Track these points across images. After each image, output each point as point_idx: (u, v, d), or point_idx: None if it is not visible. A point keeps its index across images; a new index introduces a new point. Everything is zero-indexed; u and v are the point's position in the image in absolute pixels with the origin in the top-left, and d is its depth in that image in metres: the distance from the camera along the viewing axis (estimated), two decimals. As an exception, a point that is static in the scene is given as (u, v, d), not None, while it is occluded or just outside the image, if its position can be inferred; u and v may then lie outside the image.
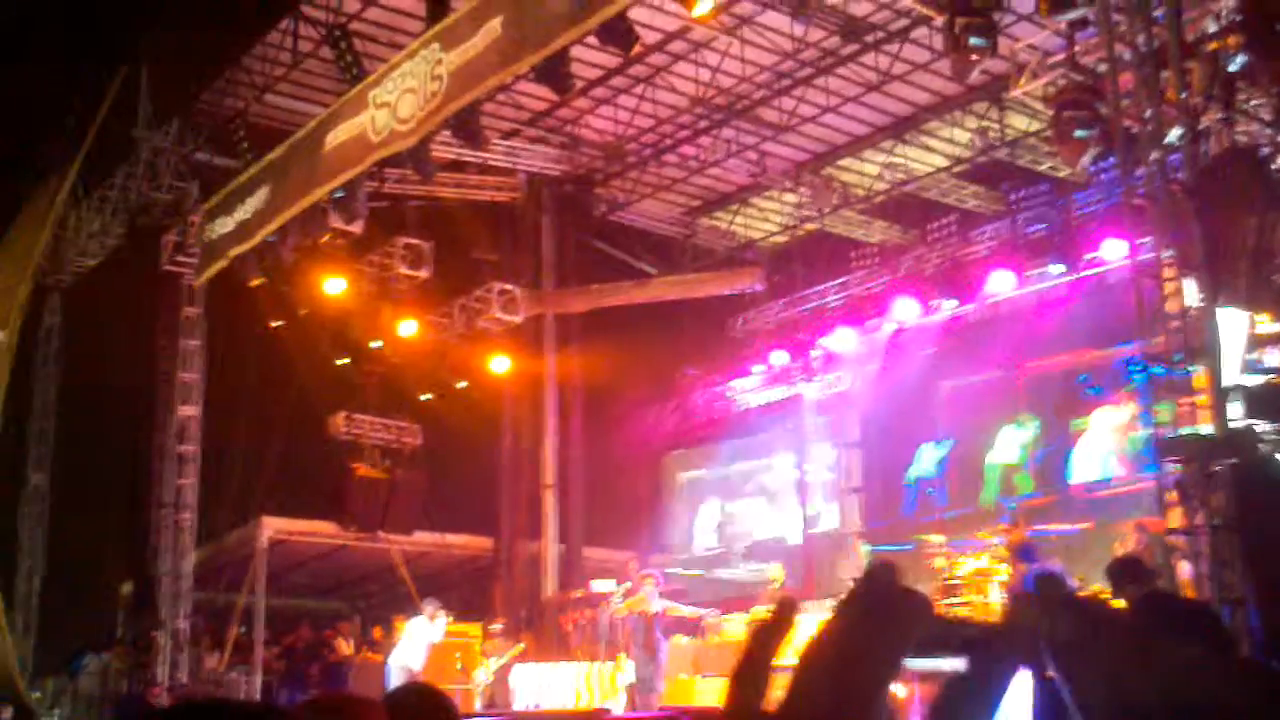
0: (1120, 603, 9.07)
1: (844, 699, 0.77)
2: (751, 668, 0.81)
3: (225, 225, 17.69)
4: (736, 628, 16.48)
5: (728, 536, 22.18)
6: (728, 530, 22.24)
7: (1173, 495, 11.03)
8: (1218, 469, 10.42)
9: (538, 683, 16.65)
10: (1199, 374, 11.03)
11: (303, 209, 16.40)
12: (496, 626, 17.75)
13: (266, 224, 16.70)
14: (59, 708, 19.19)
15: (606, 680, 15.85)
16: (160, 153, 19.07)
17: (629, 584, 15.57)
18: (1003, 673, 0.78)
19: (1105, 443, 17.08)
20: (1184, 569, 11.24)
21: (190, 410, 19.27)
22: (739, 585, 20.26)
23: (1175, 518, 11.01)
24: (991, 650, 0.78)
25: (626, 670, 15.64)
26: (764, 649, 0.81)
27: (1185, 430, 10.92)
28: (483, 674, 16.78)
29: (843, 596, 0.81)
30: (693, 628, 17.10)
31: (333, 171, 15.82)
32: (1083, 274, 16.86)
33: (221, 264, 17.70)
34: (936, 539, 15.33)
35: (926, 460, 19.01)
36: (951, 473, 18.75)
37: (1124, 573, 9.34)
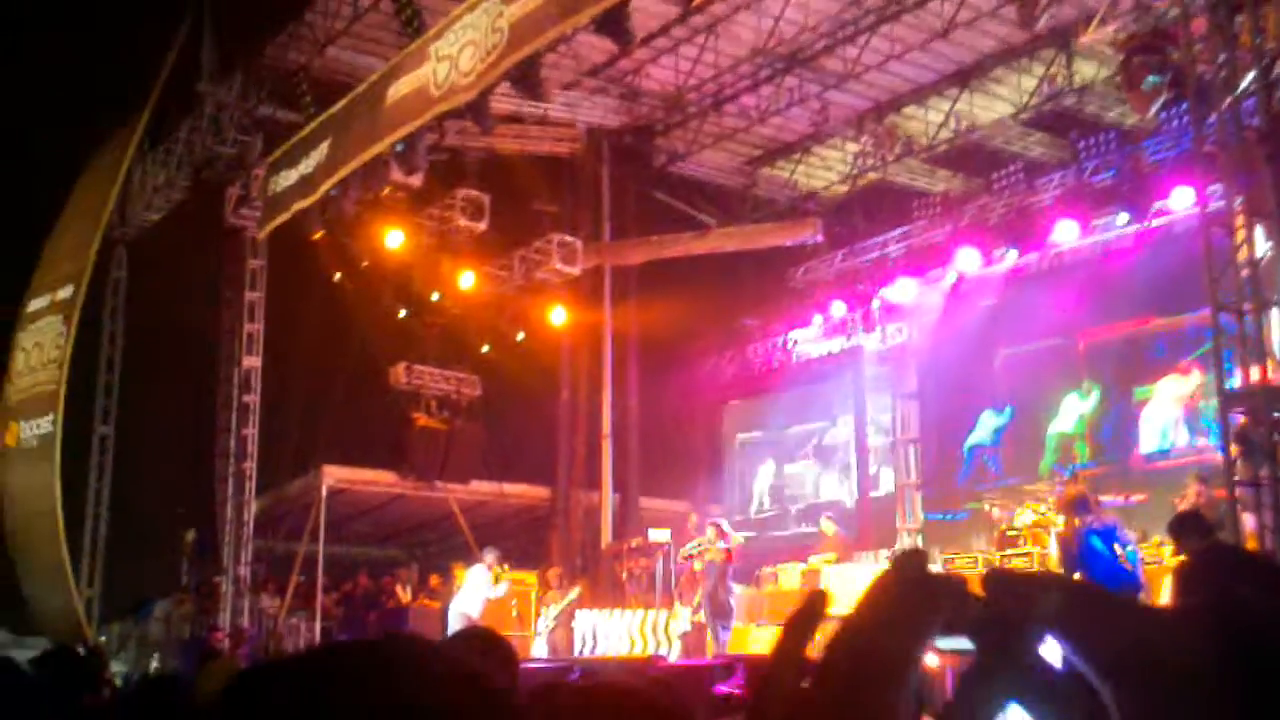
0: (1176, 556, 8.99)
1: (870, 676, 0.76)
2: (783, 659, 0.79)
3: (288, 179, 17.80)
4: (791, 578, 16.50)
5: (783, 499, 22.17)
6: (784, 493, 22.23)
7: (1237, 448, 10.88)
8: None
9: (596, 629, 16.78)
10: (1269, 324, 10.86)
11: (364, 162, 16.47)
12: (554, 574, 17.86)
13: (329, 177, 16.79)
14: (125, 651, 19.58)
15: (661, 628, 15.95)
16: (224, 107, 19.19)
17: (704, 538, 15.58)
18: (1009, 653, 0.76)
19: (1169, 412, 16.83)
20: (1247, 521, 11.10)
21: (253, 361, 19.47)
22: (792, 542, 20.31)
23: (1240, 469, 10.88)
24: (990, 633, 0.76)
25: (681, 618, 15.73)
26: (795, 640, 0.80)
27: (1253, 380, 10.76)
28: (543, 621, 16.91)
29: (873, 580, 0.81)
30: (749, 577, 17.16)
31: (394, 124, 15.87)
32: (1150, 224, 16.58)
33: (284, 217, 17.84)
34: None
35: (985, 428, 18.89)
36: (1009, 441, 18.62)
37: (1185, 527, 9.21)
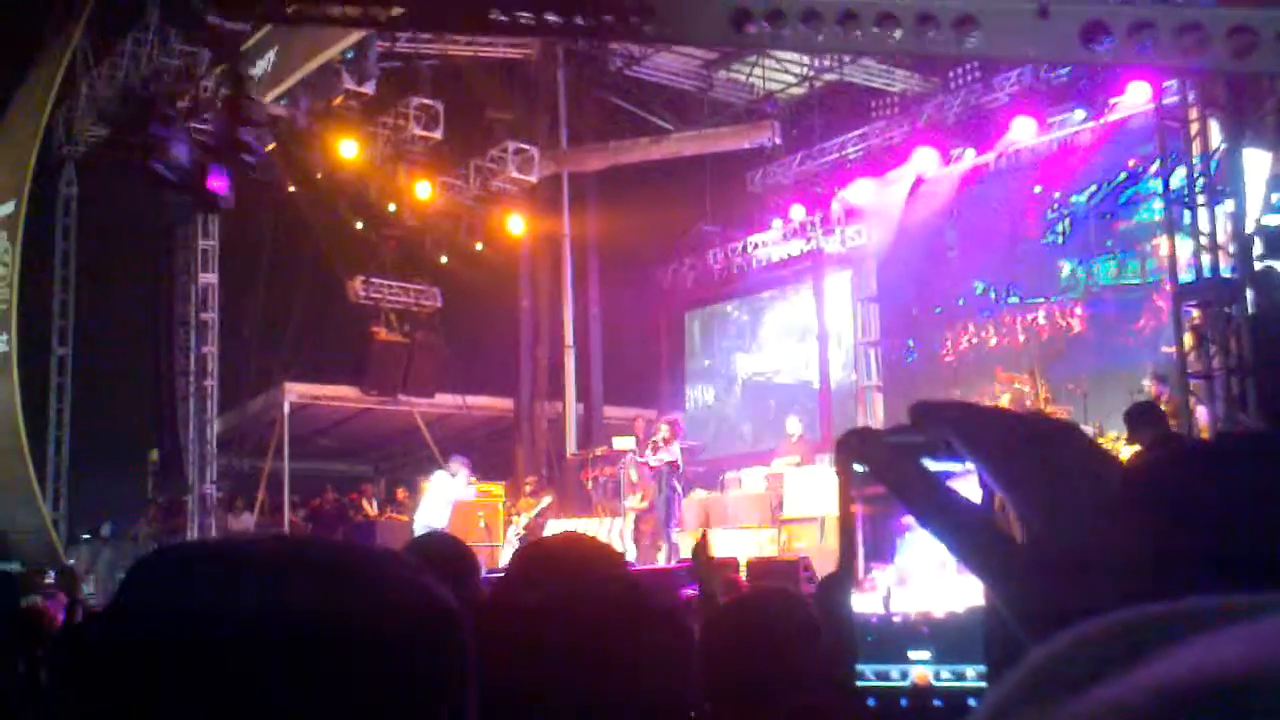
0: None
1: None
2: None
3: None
4: (756, 482, 16.61)
5: (751, 386, 22.26)
6: (751, 380, 22.30)
7: (1190, 340, 10.96)
8: (1236, 312, 10.32)
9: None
10: (1221, 215, 10.87)
11: (313, 71, 16.18)
12: (529, 482, 17.89)
13: (276, 86, 16.51)
14: (93, 573, 19.60)
15: (626, 535, 16.05)
16: (168, 17, 18.77)
17: (655, 436, 15.58)
18: (909, 477, 0.76)
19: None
20: (1201, 414, 11.21)
21: (209, 278, 19.26)
22: (756, 436, 20.46)
23: (1193, 362, 10.96)
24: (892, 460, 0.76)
25: (629, 519, 15.81)
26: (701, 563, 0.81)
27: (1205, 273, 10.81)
28: (513, 530, 16.96)
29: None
30: (710, 480, 17.25)
31: (343, 31, 15.57)
32: (1105, 120, 16.55)
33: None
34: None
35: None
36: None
37: (1139, 416, 9.30)
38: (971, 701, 0.76)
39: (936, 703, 0.77)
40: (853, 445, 0.77)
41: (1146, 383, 12.85)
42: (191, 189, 15.97)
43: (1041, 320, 17.71)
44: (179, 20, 18.11)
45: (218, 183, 15.72)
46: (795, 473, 16.08)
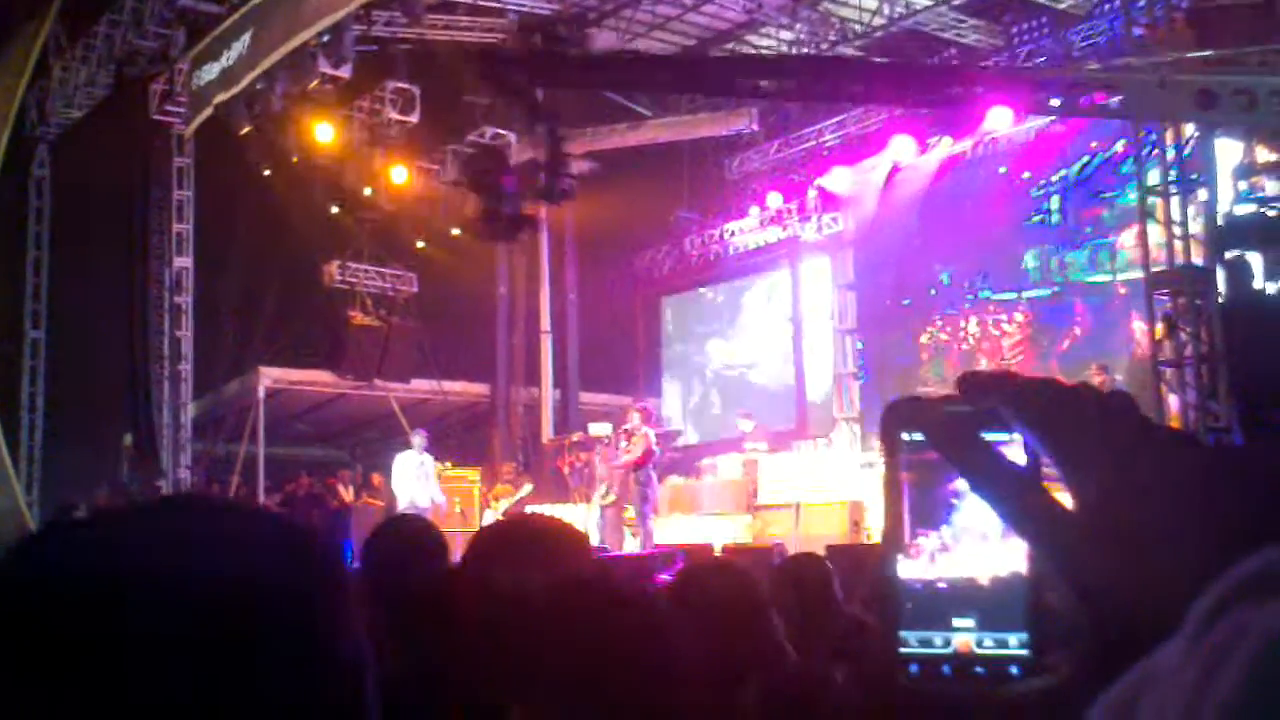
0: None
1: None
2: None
3: (210, 73, 17.42)
4: (733, 468, 16.63)
5: (723, 380, 22.28)
6: (723, 374, 22.32)
7: (1162, 328, 11.01)
8: (1206, 301, 10.37)
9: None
10: (1192, 204, 10.92)
11: (289, 54, 16.10)
12: (507, 469, 17.87)
13: (250, 70, 16.45)
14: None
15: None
16: (144, -1, 18.67)
17: (629, 424, 15.58)
18: (964, 444, 0.78)
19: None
20: (1172, 403, 11.28)
21: (184, 262, 19.18)
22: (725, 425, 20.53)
23: (1165, 350, 11.02)
24: (946, 429, 0.78)
25: (595, 507, 15.77)
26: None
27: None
28: (490, 515, 16.93)
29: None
30: (686, 467, 17.26)
31: (318, 14, 15.54)
32: (1082, 113, 16.57)
33: (208, 112, 17.47)
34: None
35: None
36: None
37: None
38: (1014, 669, 0.77)
39: (979, 670, 0.78)
40: (904, 414, 0.79)
41: (1089, 372, 12.93)
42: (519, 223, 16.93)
43: (1009, 322, 17.90)
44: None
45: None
46: (770, 460, 16.12)
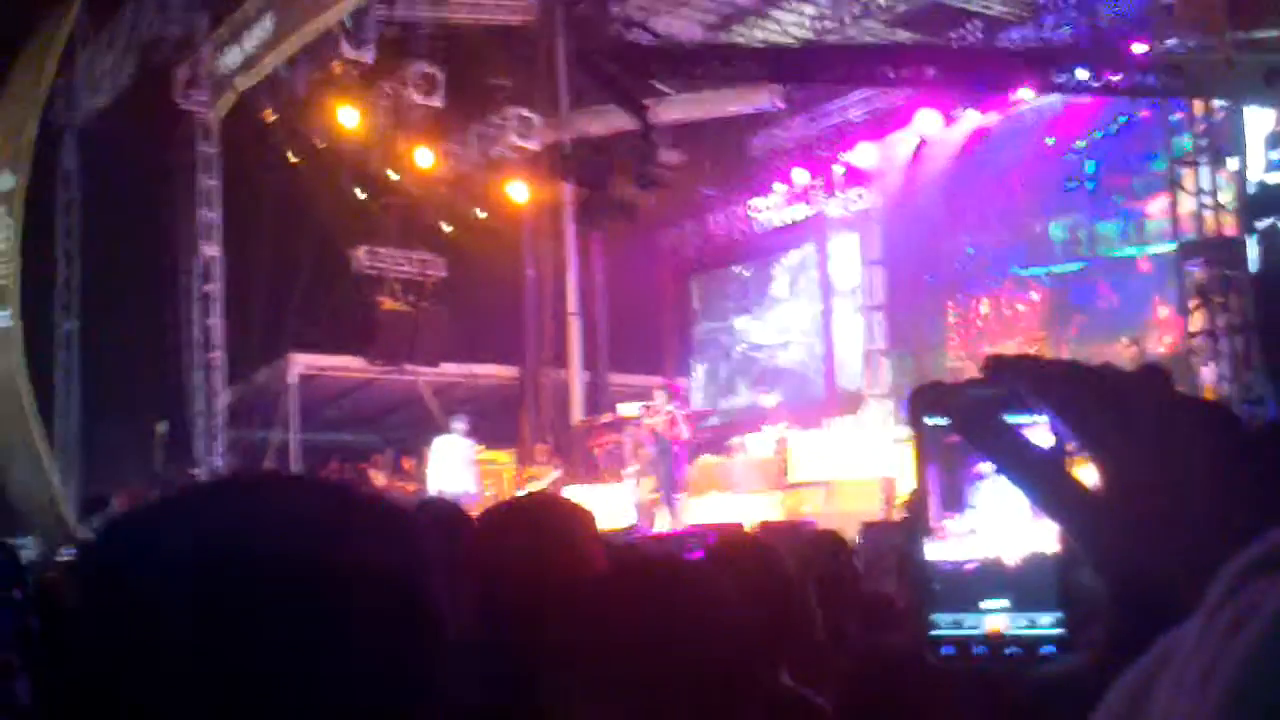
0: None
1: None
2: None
3: (233, 58, 17.47)
4: (765, 446, 16.60)
5: (747, 359, 22.24)
6: (749, 353, 22.29)
7: (1195, 299, 10.91)
8: (1238, 272, 10.27)
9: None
10: (1223, 174, 10.81)
11: (310, 38, 16.13)
12: (541, 451, 17.89)
13: (273, 54, 16.46)
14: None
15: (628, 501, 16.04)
16: (166, -16, 18.72)
17: (655, 402, 15.59)
18: (988, 426, 0.79)
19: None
20: (1205, 374, 11.18)
21: (212, 250, 19.27)
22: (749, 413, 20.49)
23: (1197, 320, 10.93)
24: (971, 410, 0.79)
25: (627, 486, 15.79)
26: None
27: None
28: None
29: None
30: (717, 446, 17.24)
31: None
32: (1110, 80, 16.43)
33: (231, 98, 17.51)
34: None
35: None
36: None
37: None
38: (1046, 649, 0.79)
39: (1012, 650, 0.79)
40: (929, 398, 0.80)
41: (1121, 344, 12.82)
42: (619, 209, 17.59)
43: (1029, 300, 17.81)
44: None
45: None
46: (801, 437, 16.09)
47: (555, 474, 17.08)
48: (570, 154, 18.25)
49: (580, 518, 2.09)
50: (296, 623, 0.82)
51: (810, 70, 16.60)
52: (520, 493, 16.78)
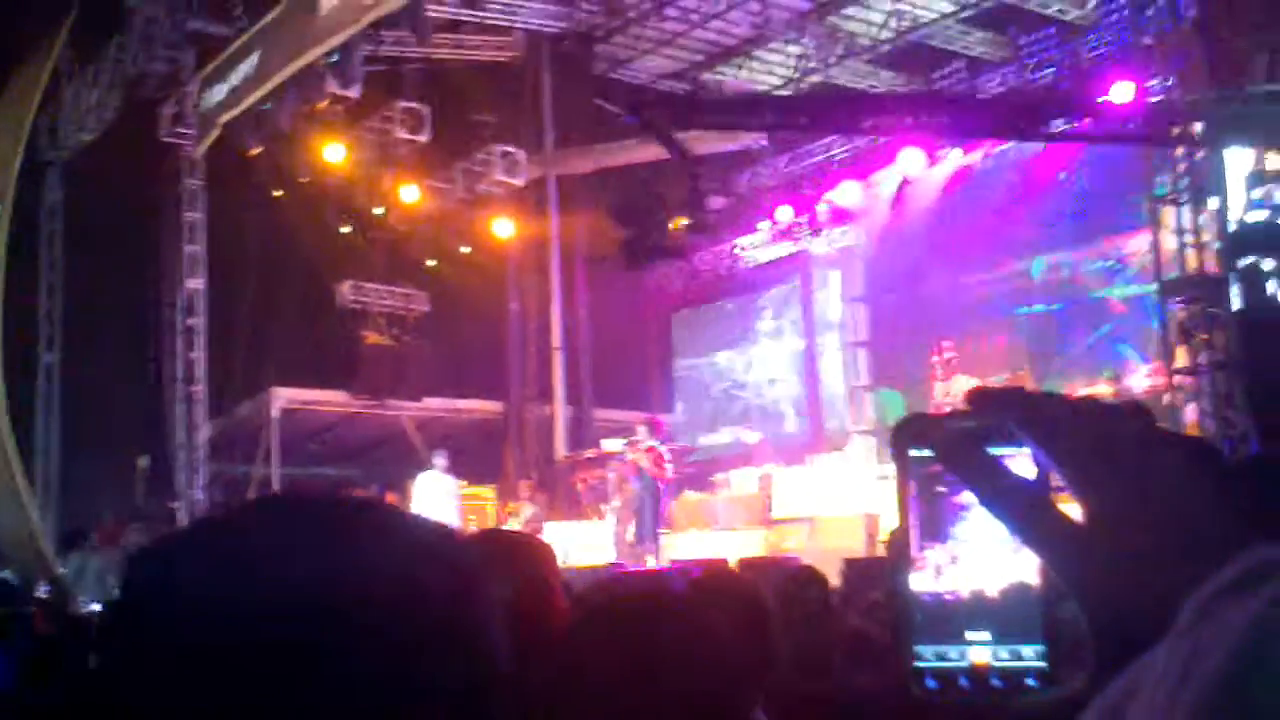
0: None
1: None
2: None
3: (218, 94, 17.51)
4: (748, 483, 16.59)
5: (730, 396, 22.25)
6: (732, 390, 22.30)
7: (1177, 337, 10.98)
8: (1220, 309, 10.35)
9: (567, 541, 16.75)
10: (1205, 213, 10.90)
11: (296, 74, 16.18)
12: (525, 486, 17.83)
13: (257, 89, 16.50)
14: (82, 580, 19.49)
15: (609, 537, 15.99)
16: (153, 21, 18.73)
17: (635, 437, 15.55)
18: (971, 459, 0.79)
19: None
20: (1188, 412, 11.24)
21: (196, 283, 19.22)
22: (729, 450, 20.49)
23: (1180, 357, 10.99)
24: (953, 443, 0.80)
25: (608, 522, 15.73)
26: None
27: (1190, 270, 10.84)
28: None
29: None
30: (700, 482, 17.22)
31: (327, 33, 15.61)
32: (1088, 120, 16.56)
33: (215, 133, 17.55)
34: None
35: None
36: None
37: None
38: (1029, 680, 0.78)
39: (995, 682, 0.79)
40: (913, 430, 0.80)
41: (1103, 380, 12.87)
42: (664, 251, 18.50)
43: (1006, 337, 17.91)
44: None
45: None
46: (785, 473, 16.09)
47: (531, 509, 17.01)
48: (621, 193, 18.58)
49: (538, 553, 2.08)
50: (374, 660, 0.81)
51: (784, 116, 16.76)
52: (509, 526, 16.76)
